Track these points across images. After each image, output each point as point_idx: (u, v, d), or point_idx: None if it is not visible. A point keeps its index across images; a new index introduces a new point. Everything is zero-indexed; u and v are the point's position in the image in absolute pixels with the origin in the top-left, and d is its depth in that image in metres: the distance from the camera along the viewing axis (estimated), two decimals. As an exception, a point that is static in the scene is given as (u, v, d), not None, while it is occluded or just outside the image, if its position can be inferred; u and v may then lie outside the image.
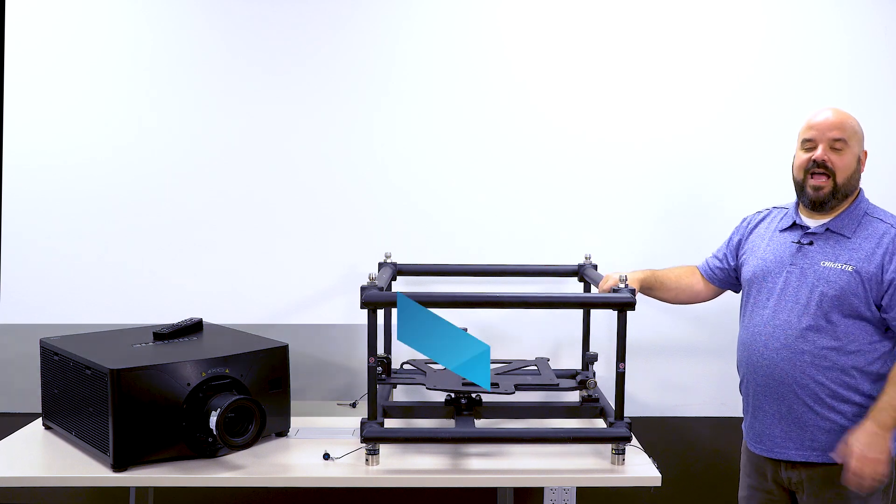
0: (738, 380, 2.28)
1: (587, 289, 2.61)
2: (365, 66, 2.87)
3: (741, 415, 2.30)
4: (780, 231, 2.21)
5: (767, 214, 2.31)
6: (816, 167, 2.09)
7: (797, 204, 2.21)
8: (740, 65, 2.87)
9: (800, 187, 2.15)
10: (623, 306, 2.05)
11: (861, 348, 2.05)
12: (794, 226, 2.18)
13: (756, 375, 2.15)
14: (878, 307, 2.05)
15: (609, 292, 2.17)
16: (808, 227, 2.15)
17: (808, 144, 2.13)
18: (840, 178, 2.09)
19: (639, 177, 2.88)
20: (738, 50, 2.87)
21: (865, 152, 2.16)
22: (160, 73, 2.86)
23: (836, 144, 2.09)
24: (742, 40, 2.87)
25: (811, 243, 2.12)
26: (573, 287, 2.73)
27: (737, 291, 2.39)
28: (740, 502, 2.32)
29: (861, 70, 2.86)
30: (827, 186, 2.09)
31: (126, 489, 2.58)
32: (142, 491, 2.52)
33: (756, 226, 2.31)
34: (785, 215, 2.24)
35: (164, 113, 2.86)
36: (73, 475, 2.07)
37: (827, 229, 2.12)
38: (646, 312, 2.68)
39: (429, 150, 2.88)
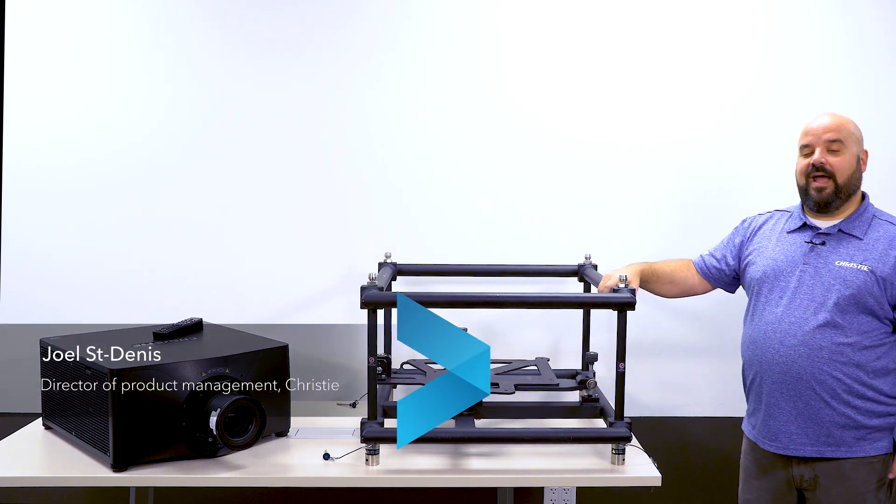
0: (740, 380, 2.27)
1: (587, 289, 2.61)
2: (365, 66, 2.86)
3: (741, 415, 2.30)
4: (788, 232, 2.22)
5: (770, 217, 2.32)
6: (816, 171, 2.13)
7: (801, 207, 2.22)
8: (740, 67, 2.86)
9: (804, 191, 2.18)
10: (623, 306, 2.05)
11: (873, 344, 2.08)
12: (803, 227, 2.19)
13: (771, 373, 2.14)
14: (892, 307, 2.08)
15: (609, 292, 2.17)
16: (818, 228, 2.16)
17: (806, 150, 2.17)
18: (840, 179, 2.12)
19: (639, 177, 2.88)
20: (738, 52, 2.86)
21: (866, 152, 2.17)
22: (160, 73, 2.85)
23: (833, 146, 2.12)
24: (742, 42, 2.86)
25: (823, 243, 2.14)
26: (573, 287, 2.73)
27: (730, 291, 2.40)
28: None
29: (861, 70, 2.86)
30: (829, 187, 2.12)
31: (126, 489, 2.58)
32: (142, 491, 2.52)
33: (759, 228, 2.31)
34: (790, 217, 2.25)
35: (163, 113, 2.86)
36: (73, 475, 2.07)
37: (839, 230, 2.14)
38: (646, 312, 2.68)
39: (429, 151, 2.88)
